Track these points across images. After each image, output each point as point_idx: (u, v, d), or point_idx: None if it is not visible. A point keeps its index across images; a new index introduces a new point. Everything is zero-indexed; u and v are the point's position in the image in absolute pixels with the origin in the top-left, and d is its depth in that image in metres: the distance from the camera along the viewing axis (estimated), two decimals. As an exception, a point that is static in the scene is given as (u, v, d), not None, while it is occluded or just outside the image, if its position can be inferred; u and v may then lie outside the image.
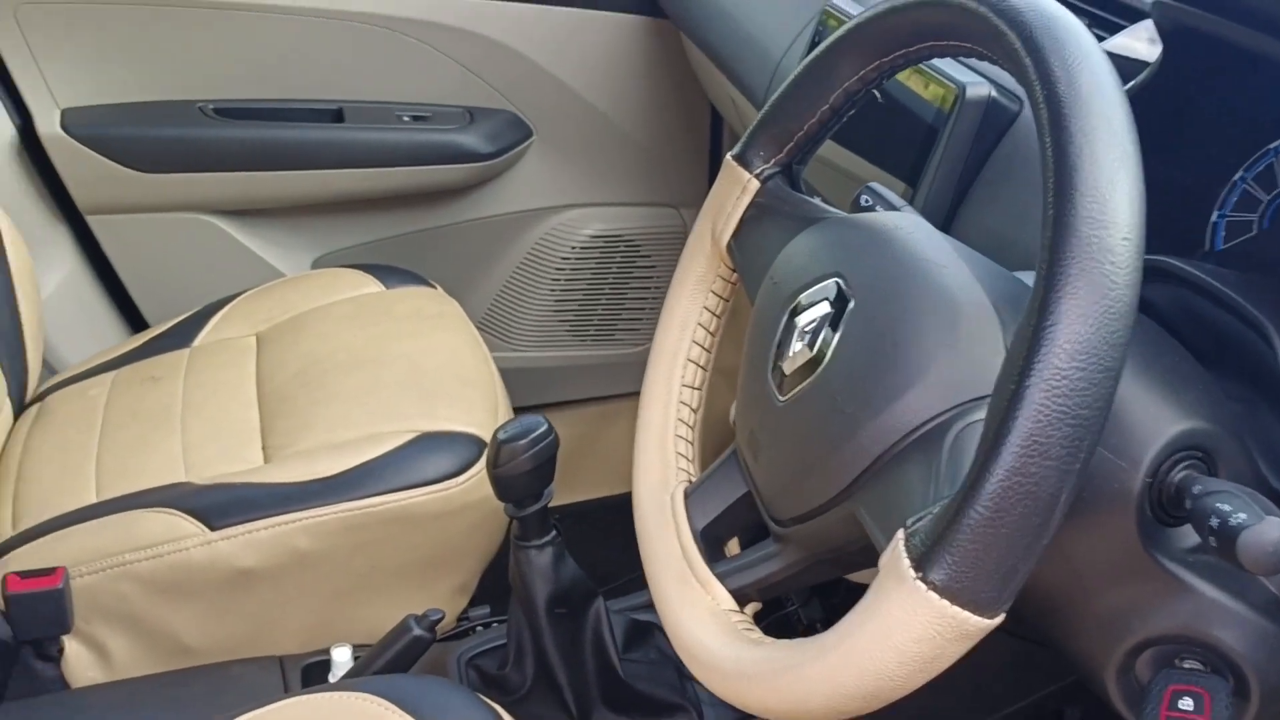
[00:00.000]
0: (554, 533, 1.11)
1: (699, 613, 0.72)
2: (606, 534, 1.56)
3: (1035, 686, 1.04)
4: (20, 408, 1.47)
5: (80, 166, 1.67)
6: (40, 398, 1.50)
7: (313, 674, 1.21)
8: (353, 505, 1.23)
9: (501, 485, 1.08)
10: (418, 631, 1.09)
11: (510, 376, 1.50)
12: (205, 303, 1.61)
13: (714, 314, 0.87)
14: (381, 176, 1.73)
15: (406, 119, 1.73)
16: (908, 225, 0.73)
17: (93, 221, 1.73)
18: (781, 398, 0.71)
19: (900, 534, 0.57)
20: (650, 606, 1.05)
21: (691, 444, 0.85)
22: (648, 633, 1.21)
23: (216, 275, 1.74)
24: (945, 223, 0.96)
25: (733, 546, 0.81)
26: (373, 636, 1.20)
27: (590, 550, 1.37)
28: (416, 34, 1.70)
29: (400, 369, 1.41)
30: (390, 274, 1.61)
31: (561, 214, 1.86)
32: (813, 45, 1.17)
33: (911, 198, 0.97)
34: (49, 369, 1.62)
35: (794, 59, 1.26)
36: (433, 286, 1.61)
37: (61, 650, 1.21)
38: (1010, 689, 1.05)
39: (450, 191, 1.80)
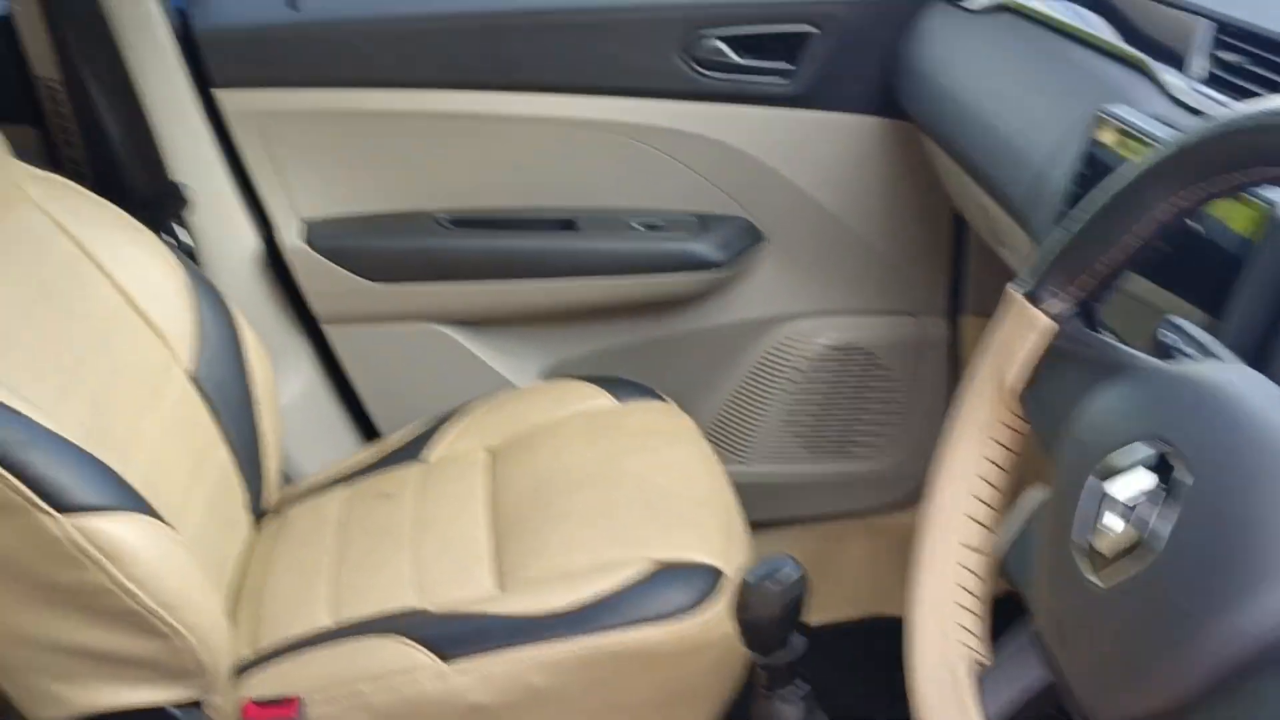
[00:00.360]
0: (804, 684, 1.02)
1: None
2: (840, 662, 1.47)
3: None
4: (259, 517, 1.48)
5: (319, 277, 1.70)
6: (278, 509, 1.51)
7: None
8: (588, 640, 1.17)
9: (747, 631, 1.00)
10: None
11: (739, 490, 1.43)
12: (436, 412, 1.60)
13: (999, 467, 0.78)
14: (613, 286, 1.71)
15: (638, 227, 1.70)
16: (1244, 384, 0.63)
17: (330, 331, 1.75)
18: (1098, 583, 0.62)
19: (1271, 775, 0.48)
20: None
21: (978, 616, 0.76)
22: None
23: (448, 384, 1.74)
24: (1256, 361, 0.85)
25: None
26: (607, 781, 1.14)
27: (823, 679, 1.28)
28: (649, 140, 1.67)
29: (634, 489, 1.36)
30: (622, 387, 1.57)
31: (794, 322, 1.79)
32: (1089, 156, 1.07)
33: (1216, 331, 0.86)
34: (285, 479, 1.63)
35: (1060, 168, 1.16)
36: (664, 400, 1.56)
37: (294, 780, 1.19)
38: None
39: (681, 300, 1.76)
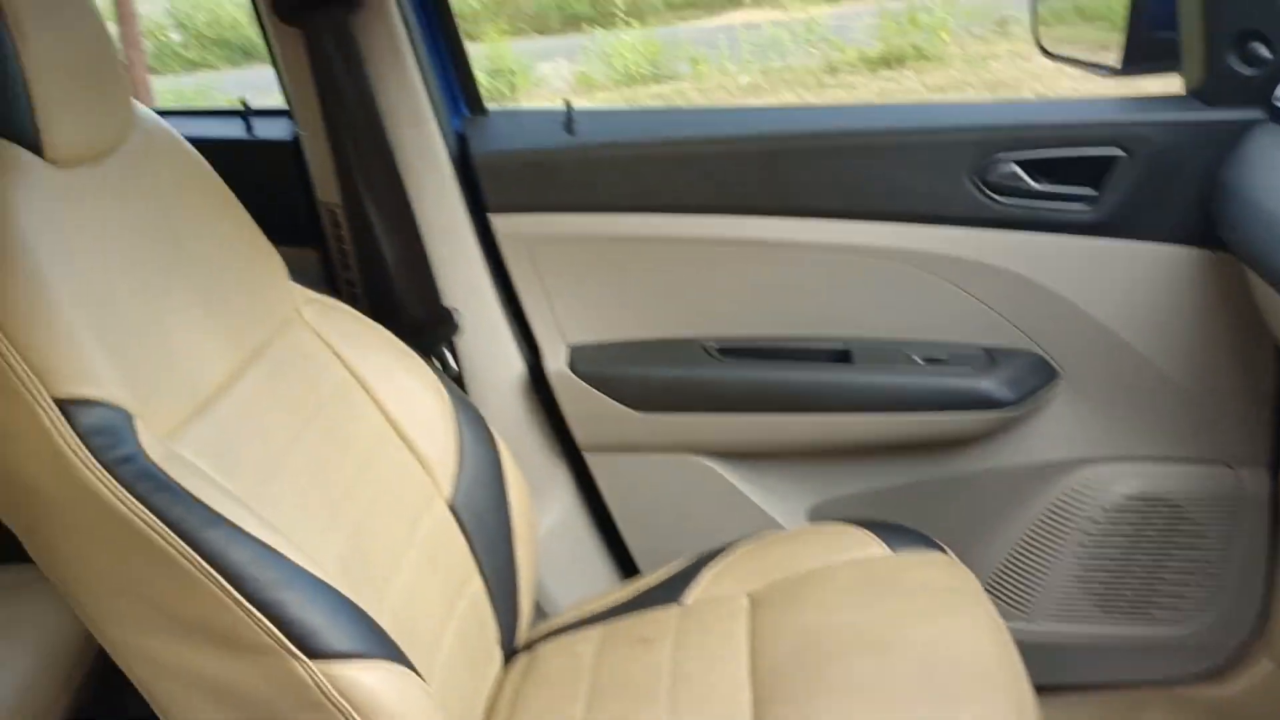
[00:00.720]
0: None
1: None
2: None
3: None
4: (510, 654, 1.43)
5: (582, 404, 1.66)
6: (530, 645, 1.45)
7: None
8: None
9: None
10: None
11: (1021, 650, 1.28)
12: (696, 548, 1.52)
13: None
14: (889, 423, 1.60)
15: (919, 360, 1.59)
16: None
17: (591, 459, 1.70)
18: None
19: None
20: None
21: None
22: None
23: (710, 520, 1.67)
24: None
25: None
26: None
27: None
28: (933, 269, 1.57)
29: (913, 660, 1.23)
30: (896, 535, 1.45)
31: (1090, 468, 1.63)
32: None
33: None
34: (539, 612, 1.58)
35: None
36: (942, 550, 1.43)
37: None
38: None
39: (963, 440, 1.63)
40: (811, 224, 1.57)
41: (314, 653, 0.99)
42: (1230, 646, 1.68)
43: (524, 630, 1.46)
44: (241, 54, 8.48)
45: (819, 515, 1.70)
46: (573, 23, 9.04)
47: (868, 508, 1.67)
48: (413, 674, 1.06)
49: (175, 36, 9.19)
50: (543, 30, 9.10)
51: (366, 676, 1.01)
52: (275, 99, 1.73)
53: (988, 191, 1.53)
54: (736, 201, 1.58)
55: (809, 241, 1.58)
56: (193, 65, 8.55)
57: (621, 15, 8.64)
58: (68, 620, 1.43)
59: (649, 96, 7.25)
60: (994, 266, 1.55)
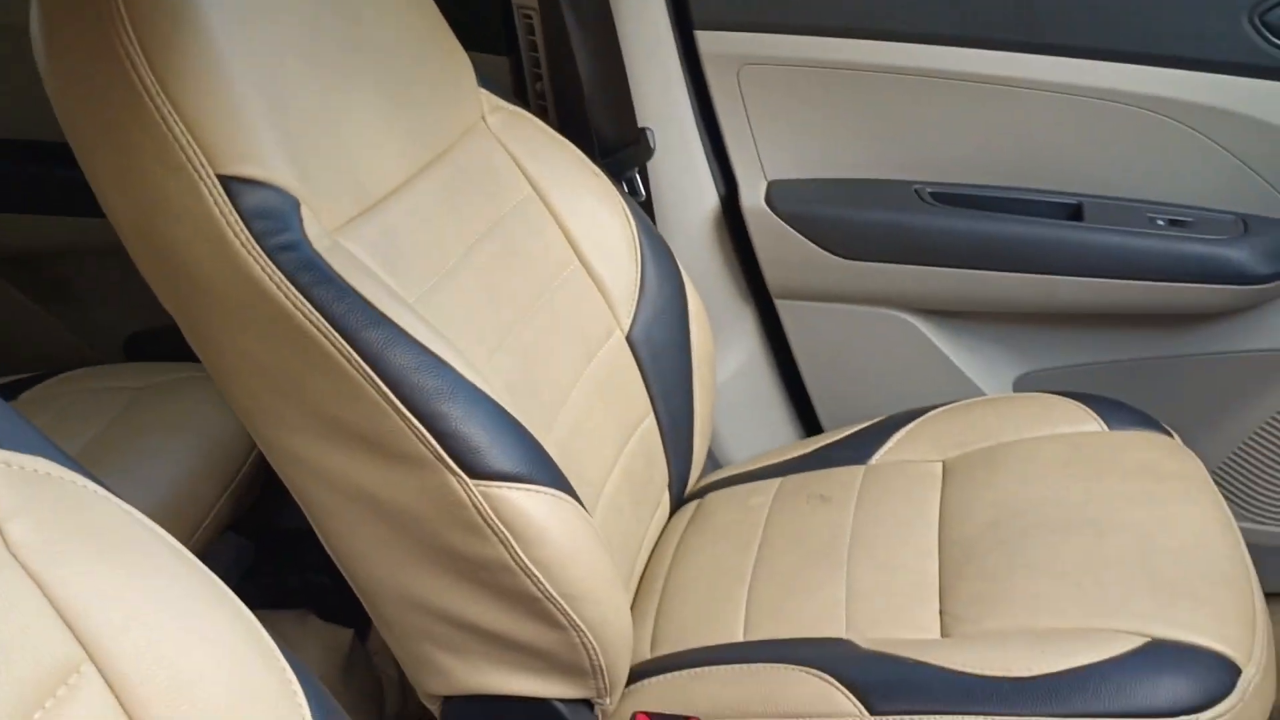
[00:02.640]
0: None
1: None
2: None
3: None
4: (679, 500, 1.35)
5: (777, 245, 1.54)
6: (700, 493, 1.37)
7: None
8: (1054, 724, 0.94)
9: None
10: None
11: (1250, 553, 1.13)
12: (887, 410, 1.41)
13: None
14: (1119, 291, 1.43)
15: (1161, 223, 1.42)
16: None
17: (780, 306, 1.58)
18: None
19: None
20: None
21: None
22: None
23: (904, 381, 1.54)
24: None
25: None
26: None
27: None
28: (1190, 120, 1.39)
29: (1128, 544, 1.10)
30: (1114, 410, 1.30)
31: (1347, 359, 1.44)
32: None
33: None
34: (712, 461, 1.49)
35: None
36: (1168, 433, 1.28)
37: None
38: None
39: (1202, 316, 1.45)
40: (1055, 62, 1.40)
41: (474, 471, 0.92)
42: None
43: (695, 477, 1.38)
44: None
45: (1027, 386, 1.55)
46: None
47: (1083, 383, 1.51)
48: (576, 504, 0.98)
49: None
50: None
51: (527, 501, 0.94)
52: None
53: (1269, 35, 1.33)
54: (973, 32, 1.41)
55: (1049, 81, 1.41)
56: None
57: None
58: (231, 421, 1.41)
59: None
60: (1264, 123, 1.36)
